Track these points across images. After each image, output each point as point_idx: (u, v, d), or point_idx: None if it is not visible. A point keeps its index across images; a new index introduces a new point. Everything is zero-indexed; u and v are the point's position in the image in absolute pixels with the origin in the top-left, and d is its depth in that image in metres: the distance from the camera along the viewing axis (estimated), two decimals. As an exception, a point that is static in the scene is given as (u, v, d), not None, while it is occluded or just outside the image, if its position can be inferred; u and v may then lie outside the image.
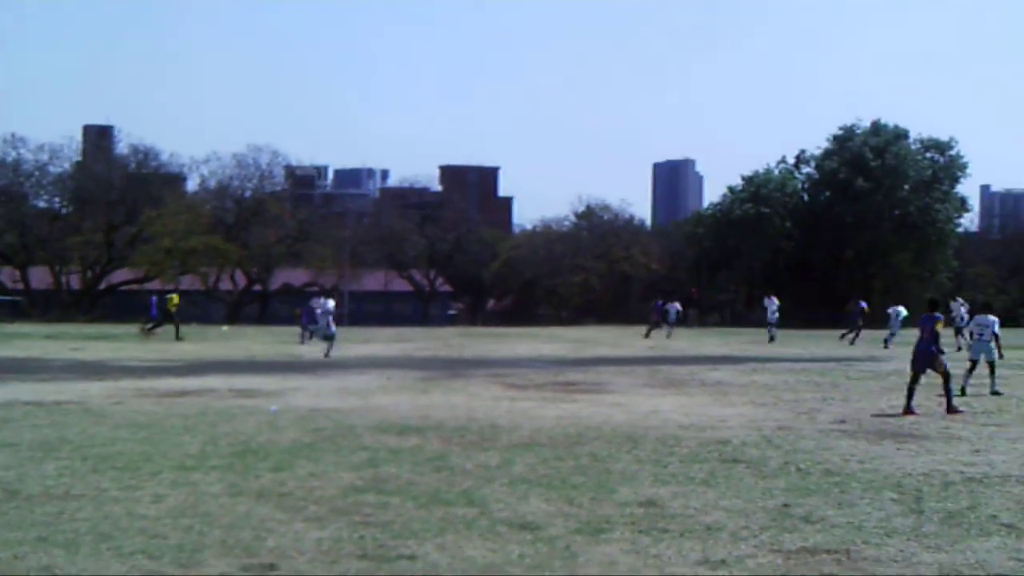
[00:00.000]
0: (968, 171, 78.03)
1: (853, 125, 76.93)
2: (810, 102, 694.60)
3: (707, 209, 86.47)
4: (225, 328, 46.18)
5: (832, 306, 46.19)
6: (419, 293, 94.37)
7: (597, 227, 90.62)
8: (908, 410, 18.11)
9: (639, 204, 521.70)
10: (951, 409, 18.21)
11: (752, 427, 16.21)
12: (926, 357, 18.61)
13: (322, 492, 10.85)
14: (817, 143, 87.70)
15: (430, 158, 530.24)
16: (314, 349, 35.60)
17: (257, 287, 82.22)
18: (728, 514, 9.98)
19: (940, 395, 18.83)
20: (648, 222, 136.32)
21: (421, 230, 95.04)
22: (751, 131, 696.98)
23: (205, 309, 73.50)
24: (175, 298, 45.38)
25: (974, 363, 22.29)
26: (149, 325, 45.23)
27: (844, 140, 76.05)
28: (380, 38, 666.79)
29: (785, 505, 10.37)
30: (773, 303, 45.78)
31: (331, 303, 34.47)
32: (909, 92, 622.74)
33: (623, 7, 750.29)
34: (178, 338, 41.42)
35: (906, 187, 74.56)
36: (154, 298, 49.46)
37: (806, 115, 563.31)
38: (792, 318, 54.76)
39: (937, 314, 19.00)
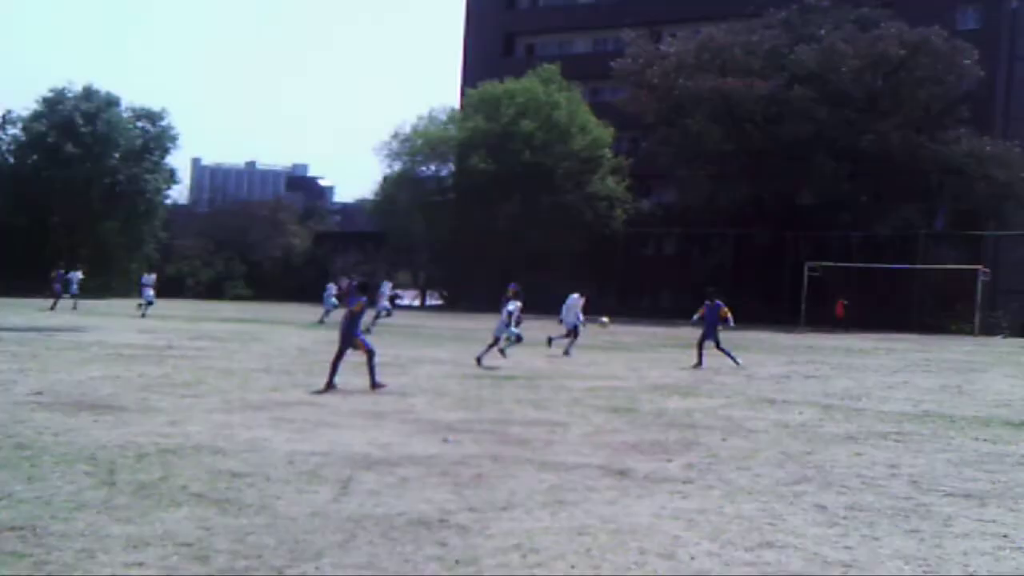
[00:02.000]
0: (179, 143, 79.35)
1: (64, 88, 75.02)
2: (20, 62, 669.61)
3: None
4: None
5: (37, 273, 44.72)
6: None
7: None
8: (330, 385, 18.58)
9: None
10: (375, 385, 18.68)
11: (-61, 400, 15.17)
12: (348, 336, 19.05)
13: None
14: (26, 104, 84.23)
15: None
16: None
17: None
18: (-96, 495, 9.20)
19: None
20: None
21: None
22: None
23: None
24: None
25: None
26: None
27: (54, 103, 73.89)
28: None
29: (-31, 483, 9.77)
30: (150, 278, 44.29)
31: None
32: (122, 60, 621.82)
33: None
34: None
35: (116, 155, 74.11)
36: None
37: (15, 74, 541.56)
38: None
39: (363, 297, 19.56)
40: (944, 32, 60.09)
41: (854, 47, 60.01)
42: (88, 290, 62.22)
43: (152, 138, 77.00)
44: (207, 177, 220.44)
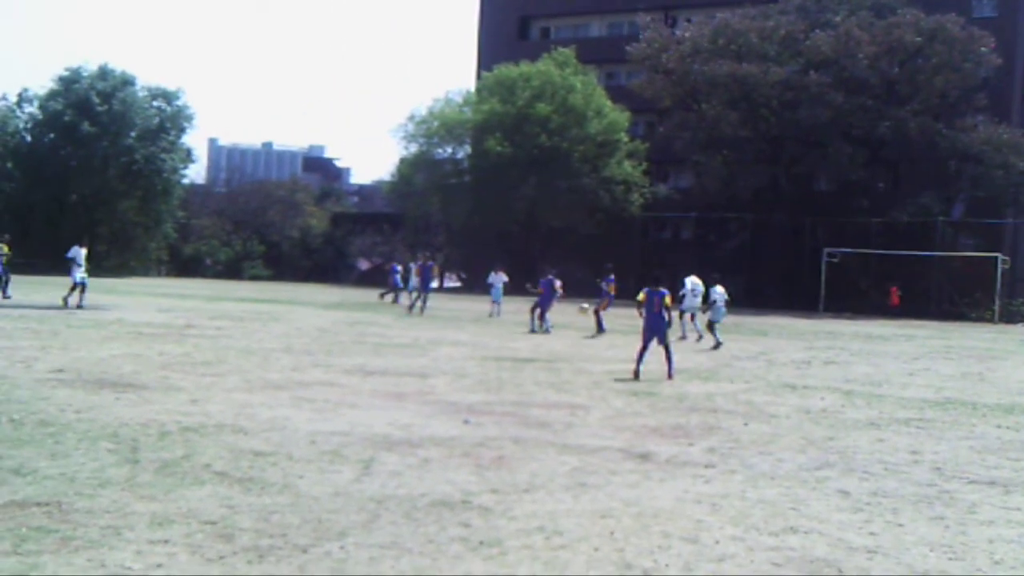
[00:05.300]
0: (194, 123, 79.37)
1: (79, 67, 75.05)
2: (35, 39, 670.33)
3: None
4: None
5: (56, 251, 44.76)
6: None
7: None
8: (636, 373, 19.37)
9: None
10: (671, 375, 19.53)
11: (-38, 376, 15.21)
12: (658, 329, 19.74)
13: None
14: (42, 83, 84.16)
15: None
16: None
17: None
18: (-71, 470, 9.22)
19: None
20: None
21: None
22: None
23: None
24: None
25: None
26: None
27: (70, 82, 73.83)
28: None
29: (-6, 459, 9.80)
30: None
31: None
32: (137, 39, 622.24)
33: None
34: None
35: (132, 134, 74.18)
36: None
37: (31, 52, 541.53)
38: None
39: (663, 289, 19.93)
40: (960, 19, 59.80)
41: (870, 34, 59.76)
42: (108, 269, 62.43)
43: (168, 117, 76.94)
44: (223, 157, 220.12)
